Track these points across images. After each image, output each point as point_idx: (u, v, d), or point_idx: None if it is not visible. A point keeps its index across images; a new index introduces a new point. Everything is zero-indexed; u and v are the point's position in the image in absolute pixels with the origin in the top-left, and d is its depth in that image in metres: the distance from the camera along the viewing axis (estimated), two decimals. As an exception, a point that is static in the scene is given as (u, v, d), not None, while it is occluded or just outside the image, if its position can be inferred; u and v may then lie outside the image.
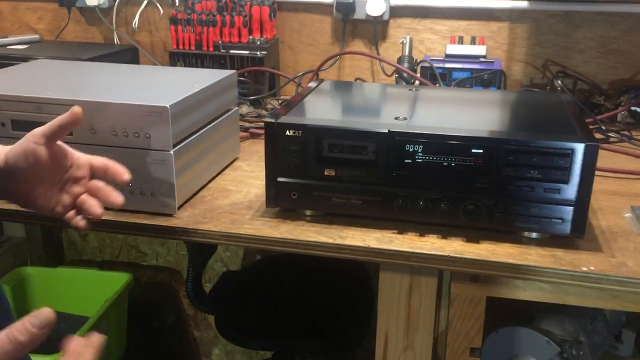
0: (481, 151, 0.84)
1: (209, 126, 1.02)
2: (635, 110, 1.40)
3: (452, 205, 0.86)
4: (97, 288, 1.70)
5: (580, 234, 0.84)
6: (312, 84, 1.12)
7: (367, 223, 0.90)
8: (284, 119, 0.89)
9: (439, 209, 0.86)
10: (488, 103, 1.04)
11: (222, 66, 1.52)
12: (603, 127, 1.33)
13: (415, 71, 1.43)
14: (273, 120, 0.88)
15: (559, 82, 1.41)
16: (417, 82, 1.37)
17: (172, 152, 0.89)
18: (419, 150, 0.86)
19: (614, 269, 0.79)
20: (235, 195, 1.00)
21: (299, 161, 0.89)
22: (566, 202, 0.83)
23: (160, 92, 0.97)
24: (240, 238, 0.88)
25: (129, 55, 1.58)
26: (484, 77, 1.39)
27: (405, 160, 0.86)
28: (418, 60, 1.45)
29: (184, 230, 0.89)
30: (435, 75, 1.39)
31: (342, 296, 1.50)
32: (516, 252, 0.83)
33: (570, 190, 0.82)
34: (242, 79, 1.46)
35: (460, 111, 0.99)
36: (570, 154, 0.81)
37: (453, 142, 0.84)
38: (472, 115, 0.97)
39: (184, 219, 0.92)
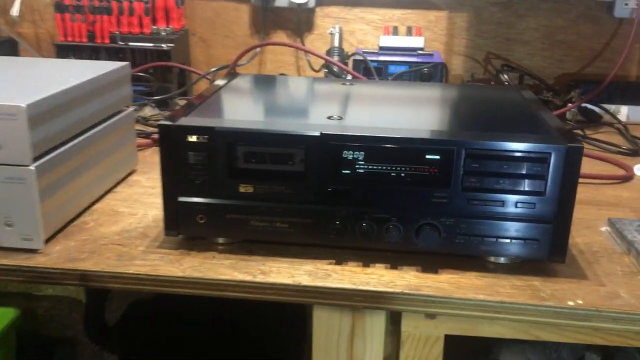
0: (437, 157, 0.66)
1: (91, 132, 0.79)
2: (586, 107, 1.27)
3: (403, 227, 0.68)
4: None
5: (560, 258, 0.67)
6: (222, 80, 0.91)
7: (296, 252, 0.71)
8: (184, 121, 0.68)
9: (386, 232, 0.68)
10: (439, 99, 0.87)
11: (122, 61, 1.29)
12: (555, 126, 1.19)
13: (346, 65, 1.25)
14: (169, 123, 0.67)
15: (505, 76, 1.26)
16: (349, 77, 1.19)
17: (32, 167, 0.66)
18: (360, 158, 0.67)
19: (606, 302, 0.63)
20: (127, 220, 0.79)
21: (206, 175, 0.68)
22: (543, 220, 0.66)
23: (19, 87, 0.74)
24: (129, 279, 0.67)
25: (5, 49, 1.32)
26: (424, 72, 1.23)
27: (343, 171, 0.67)
28: (349, 53, 1.27)
29: (51, 272, 0.67)
30: (370, 70, 1.21)
31: (271, 329, 1.30)
32: (484, 283, 0.66)
33: (548, 205, 0.66)
34: (145, 75, 1.24)
35: (407, 109, 0.81)
36: (547, 159, 0.64)
37: (402, 146, 0.66)
38: (422, 114, 0.79)
39: (53, 255, 0.69)
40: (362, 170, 0.67)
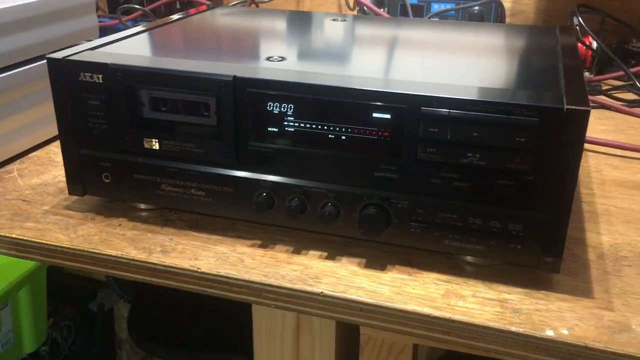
0: (388, 116, 0.48)
1: (25, 67, 0.69)
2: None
3: (342, 206, 0.52)
4: (7, 266, 1.43)
5: (551, 265, 0.48)
6: (192, 11, 0.77)
7: (219, 227, 0.57)
8: (78, 56, 0.55)
9: (322, 210, 0.52)
10: (442, 42, 0.67)
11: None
12: (639, 84, 0.94)
13: (383, 3, 1.06)
14: (58, 57, 0.54)
15: (579, 18, 1.01)
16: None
17: None
18: (289, 112, 0.51)
19: (604, 336, 0.44)
20: (54, 172, 0.68)
21: (106, 124, 0.55)
22: (528, 210, 0.47)
23: None
24: (10, 244, 0.56)
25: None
26: (474, 11, 1.01)
27: (268, 129, 0.52)
28: (387, -12, 1.08)
29: None
30: (406, 8, 1.02)
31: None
32: (441, 291, 0.49)
33: (536, 188, 0.46)
34: (134, 6, 1.11)
35: (381, 53, 0.63)
36: (534, 125, 0.45)
37: (342, 99, 0.49)
38: (395, 61, 0.60)
39: (-57, 209, 0.60)
40: (291, 129, 0.51)
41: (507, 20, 1.15)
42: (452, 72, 0.54)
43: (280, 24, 0.74)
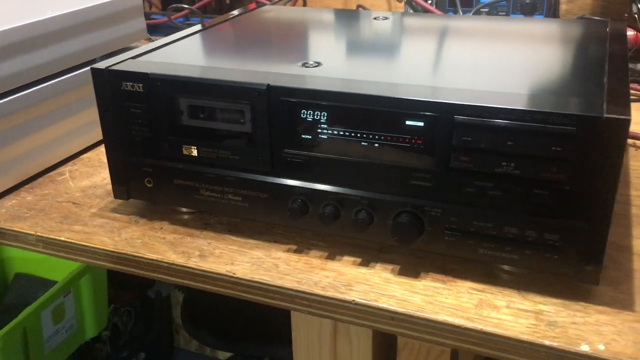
0: (421, 124, 0.48)
1: (76, 72, 0.71)
2: None
3: (375, 213, 0.52)
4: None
5: (591, 277, 0.47)
6: (236, 12, 0.78)
7: (255, 231, 0.58)
8: (120, 65, 0.57)
9: (355, 217, 0.52)
10: (483, 42, 0.66)
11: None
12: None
13: (431, -6, 1.04)
14: (102, 67, 0.56)
15: (638, 6, 0.97)
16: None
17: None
18: (323, 120, 0.51)
19: (642, 354, 0.42)
20: (103, 174, 0.70)
21: (148, 132, 0.57)
22: (566, 219, 0.46)
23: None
24: (58, 246, 0.59)
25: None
26: (525, 1, 0.98)
27: (303, 136, 0.52)
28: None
29: (-20, 231, 0.61)
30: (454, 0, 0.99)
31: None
32: (474, 300, 0.48)
33: (574, 197, 0.45)
34: (190, 8, 1.13)
35: (422, 56, 0.62)
36: (571, 134, 0.43)
37: (374, 107, 0.49)
38: (439, 64, 0.59)
39: (0, 211, 0.63)
40: (325, 136, 0.51)
41: (563, 7, 1.11)
42: (491, 76, 0.53)
43: (321, 25, 0.73)
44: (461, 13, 0.99)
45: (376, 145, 0.50)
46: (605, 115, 0.42)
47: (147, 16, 1.21)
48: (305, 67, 0.56)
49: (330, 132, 0.51)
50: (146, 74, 0.54)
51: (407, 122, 0.48)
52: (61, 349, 1.37)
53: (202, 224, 0.60)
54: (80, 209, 0.63)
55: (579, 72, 0.53)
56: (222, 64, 0.58)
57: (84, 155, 0.75)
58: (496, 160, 0.46)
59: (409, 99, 0.47)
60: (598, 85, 0.48)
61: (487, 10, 0.99)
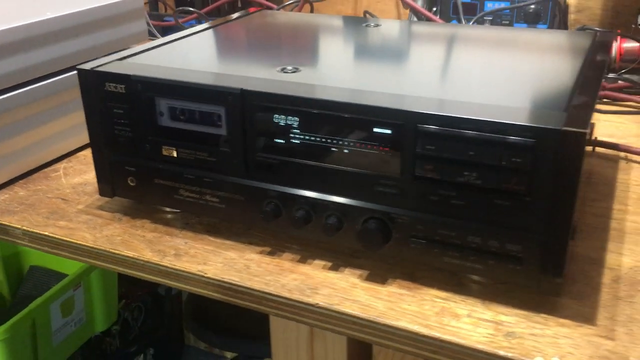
0: (388, 132, 0.48)
1: (71, 73, 0.73)
2: None
3: (346, 219, 0.52)
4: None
5: (552, 289, 0.47)
6: (235, 15, 0.79)
7: (233, 233, 0.59)
8: (105, 67, 0.58)
9: (325, 221, 0.53)
10: (462, 51, 0.66)
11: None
12: None
13: (436, 2, 1.04)
14: (87, 68, 0.58)
15: (644, 17, 0.95)
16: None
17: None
18: (294, 125, 0.52)
19: (596, 368, 0.42)
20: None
21: (130, 132, 0.59)
22: (527, 230, 0.46)
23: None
24: (42, 240, 0.60)
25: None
26: (529, 10, 0.98)
27: (276, 140, 0.53)
28: (441, -14, 1.06)
29: (-35, 224, 0.63)
30: (457, 6, 0.99)
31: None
32: (437, 308, 0.48)
33: (534, 209, 0.45)
34: (189, 9, 1.15)
35: (399, 64, 0.62)
36: (530, 146, 0.43)
37: (343, 113, 0.49)
38: (413, 72, 0.59)
39: (-10, 205, 0.65)
40: (297, 141, 0.52)
41: (572, 17, 1.10)
42: (461, 85, 0.53)
43: (312, 30, 0.74)
44: (464, 21, 0.99)
45: (345, 151, 0.51)
46: (563, 128, 0.42)
47: (160, 18, 1.23)
48: (284, 72, 0.57)
49: (301, 137, 0.52)
50: (128, 75, 0.56)
51: (375, 130, 0.49)
52: (69, 341, 1.39)
53: (182, 224, 0.61)
54: (68, 205, 0.65)
55: (550, 83, 0.53)
56: (204, 66, 0.59)
57: (80, 153, 0.77)
58: (458, 169, 0.46)
59: (375, 106, 0.48)
60: (563, 97, 0.48)
61: (490, 18, 0.99)
